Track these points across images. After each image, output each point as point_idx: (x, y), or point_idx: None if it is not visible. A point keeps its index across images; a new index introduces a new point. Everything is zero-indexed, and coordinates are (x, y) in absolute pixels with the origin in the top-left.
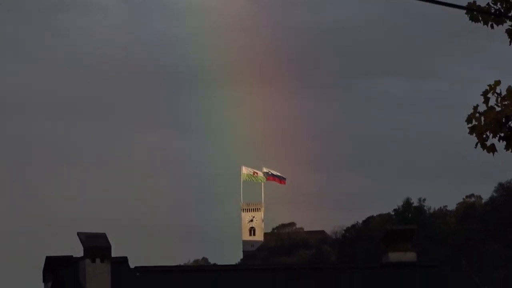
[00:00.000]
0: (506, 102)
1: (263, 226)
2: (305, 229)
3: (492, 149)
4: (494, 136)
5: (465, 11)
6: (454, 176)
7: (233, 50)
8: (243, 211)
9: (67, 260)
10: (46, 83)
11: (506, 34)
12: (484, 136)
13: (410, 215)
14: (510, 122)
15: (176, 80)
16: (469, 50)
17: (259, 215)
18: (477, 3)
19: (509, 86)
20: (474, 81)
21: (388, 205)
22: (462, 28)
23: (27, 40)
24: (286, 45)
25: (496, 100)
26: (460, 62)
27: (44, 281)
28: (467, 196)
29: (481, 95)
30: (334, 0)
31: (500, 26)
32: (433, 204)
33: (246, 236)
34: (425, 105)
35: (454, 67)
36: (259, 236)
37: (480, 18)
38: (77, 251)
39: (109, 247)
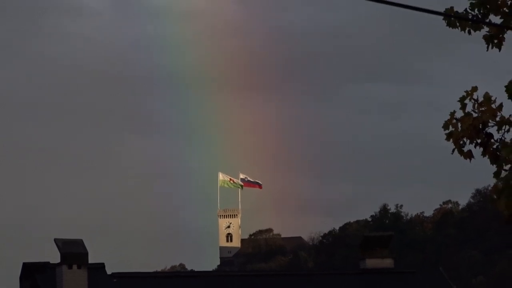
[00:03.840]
0: (483, 108)
1: (240, 232)
2: (282, 235)
3: (469, 155)
4: (471, 142)
5: (442, 16)
6: (431, 182)
7: (220, 55)
8: (220, 217)
9: (44, 267)
10: (34, 87)
11: (484, 40)
12: (461, 142)
13: (387, 221)
14: (486, 129)
15: (160, 84)
16: (456, 55)
17: (236, 221)
18: (455, 9)
19: (486, 92)
20: (461, 86)
21: (365, 211)
22: (449, 33)
23: (18, 44)
24: (274, 50)
25: (473, 106)
26: (447, 67)
27: (21, 287)
28: (444, 203)
29: (458, 101)
30: (322, 6)
31: (478, 32)
32: (410, 210)
33: (223, 242)
34: (410, 111)
35: (441, 72)
36: (236, 243)
37: (458, 24)
38: (54, 257)
39: (86, 254)
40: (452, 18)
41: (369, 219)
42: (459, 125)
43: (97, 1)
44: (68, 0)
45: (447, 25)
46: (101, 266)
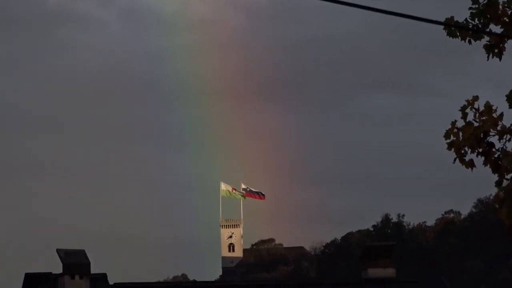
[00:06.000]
0: (484, 118)
1: (242, 242)
2: (284, 245)
3: (470, 164)
4: (472, 152)
5: (443, 26)
6: (433, 191)
7: (224, 65)
8: (222, 227)
9: (46, 277)
10: (40, 98)
11: (484, 50)
12: (463, 151)
13: (389, 231)
14: (488, 138)
15: (165, 94)
16: (464, 65)
17: (238, 231)
18: (455, 19)
19: (487, 101)
20: (464, 96)
21: (367, 221)
22: (458, 44)
23: (25, 54)
24: (277, 60)
25: (474, 116)
26: (451, 77)
27: None
28: (446, 212)
29: (459, 110)
30: (330, 15)
31: (478, 41)
32: (412, 220)
33: (225, 252)
34: (412, 120)
35: (445, 82)
36: (238, 252)
37: (458, 34)
38: (56, 267)
39: (88, 264)
40: (452, 27)
41: (371, 229)
42: (461, 134)
43: (105, 12)
44: (77, 10)
45: (447, 35)
46: (103, 276)
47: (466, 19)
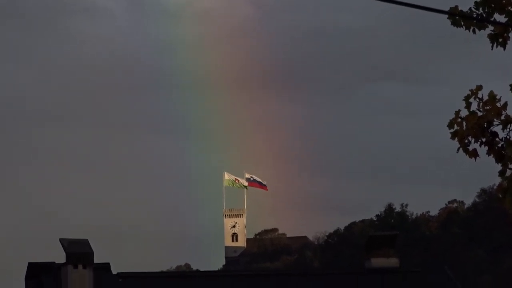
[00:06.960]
0: (488, 107)
1: (245, 232)
2: (288, 235)
3: (474, 154)
4: (476, 141)
5: (447, 15)
6: (436, 181)
7: (229, 55)
8: (225, 217)
9: (49, 267)
10: (45, 88)
11: (488, 39)
12: (466, 141)
13: (392, 221)
14: (491, 127)
15: (169, 85)
16: (471, 55)
17: (241, 221)
18: (459, 8)
19: (491, 91)
20: (470, 86)
21: (370, 211)
22: (464, 34)
23: (31, 45)
24: (284, 50)
25: (478, 105)
26: (456, 67)
27: (26, 287)
28: (449, 202)
29: (463, 100)
30: (336, 6)
31: (482, 31)
32: (415, 209)
33: (229, 242)
34: (416, 110)
35: (453, 72)
36: (241, 242)
37: (462, 23)
38: (60, 257)
39: (91, 253)
40: (457, 17)
41: (375, 219)
42: (464, 124)
43: (112, 2)
44: (83, 1)
45: (452, 24)
46: (107, 266)
47: (470, 9)
